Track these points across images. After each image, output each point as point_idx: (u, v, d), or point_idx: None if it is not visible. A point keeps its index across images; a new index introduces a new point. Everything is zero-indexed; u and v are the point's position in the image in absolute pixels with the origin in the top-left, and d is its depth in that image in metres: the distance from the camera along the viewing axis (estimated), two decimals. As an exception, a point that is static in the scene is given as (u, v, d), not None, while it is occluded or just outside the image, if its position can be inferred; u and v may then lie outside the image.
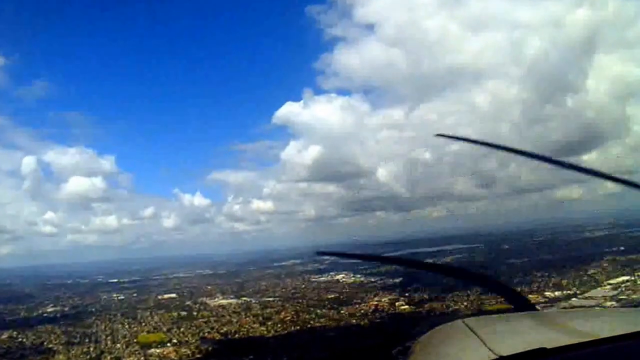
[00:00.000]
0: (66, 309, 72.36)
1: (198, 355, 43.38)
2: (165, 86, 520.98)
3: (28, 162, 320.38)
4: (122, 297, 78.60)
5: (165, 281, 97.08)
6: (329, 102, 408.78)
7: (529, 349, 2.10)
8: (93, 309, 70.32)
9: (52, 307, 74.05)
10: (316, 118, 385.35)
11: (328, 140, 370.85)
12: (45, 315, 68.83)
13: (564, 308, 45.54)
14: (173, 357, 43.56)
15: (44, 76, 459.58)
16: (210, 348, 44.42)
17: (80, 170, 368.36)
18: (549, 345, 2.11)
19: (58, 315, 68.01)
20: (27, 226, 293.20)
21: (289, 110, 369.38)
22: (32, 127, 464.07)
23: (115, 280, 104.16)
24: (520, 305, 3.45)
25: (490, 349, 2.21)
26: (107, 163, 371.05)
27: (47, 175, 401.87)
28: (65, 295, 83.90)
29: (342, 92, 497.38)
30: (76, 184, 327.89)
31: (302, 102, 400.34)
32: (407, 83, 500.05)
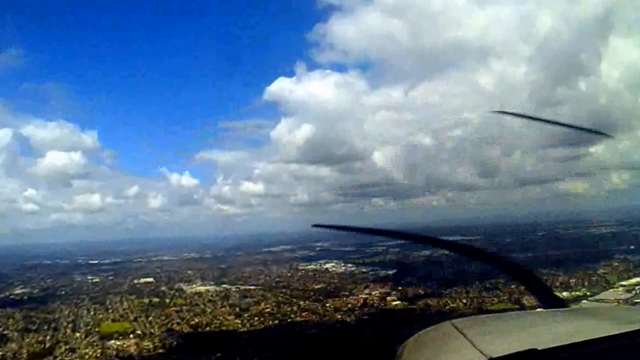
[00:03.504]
0: (35, 291, 68.40)
1: (160, 350, 38.49)
2: (152, 59, 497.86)
3: (3, 136, 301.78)
4: (97, 280, 74.39)
5: (146, 264, 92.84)
6: (323, 78, 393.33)
7: (519, 350, 2.05)
8: (63, 292, 66.27)
9: (21, 288, 70.26)
10: (310, 95, 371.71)
11: (322, 121, 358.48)
12: (12, 297, 64.90)
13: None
14: (132, 350, 38.74)
15: (18, 43, 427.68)
16: (174, 342, 39.38)
17: (60, 145, 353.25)
18: (539, 346, 2.06)
19: (25, 297, 64.15)
20: (7, 204, 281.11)
21: (280, 87, 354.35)
22: (7, 98, 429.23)
23: (96, 262, 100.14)
24: (547, 300, 3.28)
25: (479, 351, 2.17)
26: (89, 139, 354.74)
27: (25, 151, 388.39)
28: (39, 276, 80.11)
29: (338, 66, 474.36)
30: (57, 161, 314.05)
31: (294, 78, 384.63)
32: (407, 59, 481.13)
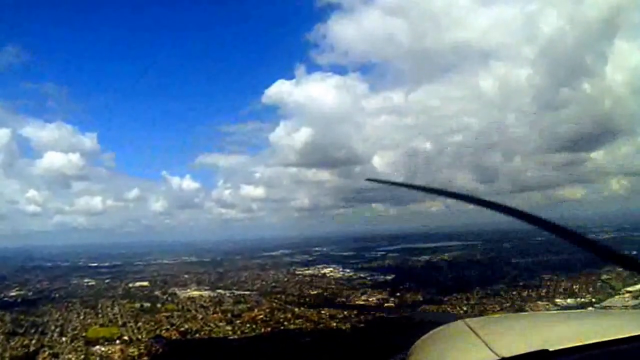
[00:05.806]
0: (30, 293, 67.80)
1: (145, 358, 37.07)
2: (151, 62, 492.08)
3: (2, 136, 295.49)
4: (93, 283, 73.66)
5: (144, 267, 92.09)
6: (323, 80, 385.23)
7: (531, 350, 2.05)
8: (57, 295, 65.44)
9: (17, 291, 69.62)
10: (309, 98, 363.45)
11: (321, 124, 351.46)
12: (5, 299, 64.38)
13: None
14: (116, 357, 37.44)
15: (18, 42, 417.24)
16: (160, 350, 37.98)
17: (59, 147, 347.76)
18: (551, 347, 2.06)
19: (18, 300, 63.55)
20: (8, 205, 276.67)
21: (280, 90, 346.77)
22: (6, 98, 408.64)
23: (95, 265, 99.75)
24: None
25: (491, 350, 2.17)
26: (89, 141, 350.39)
27: (25, 152, 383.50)
28: (36, 278, 79.52)
29: (338, 68, 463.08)
30: (57, 163, 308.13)
31: (294, 80, 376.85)
32: (408, 61, 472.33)
